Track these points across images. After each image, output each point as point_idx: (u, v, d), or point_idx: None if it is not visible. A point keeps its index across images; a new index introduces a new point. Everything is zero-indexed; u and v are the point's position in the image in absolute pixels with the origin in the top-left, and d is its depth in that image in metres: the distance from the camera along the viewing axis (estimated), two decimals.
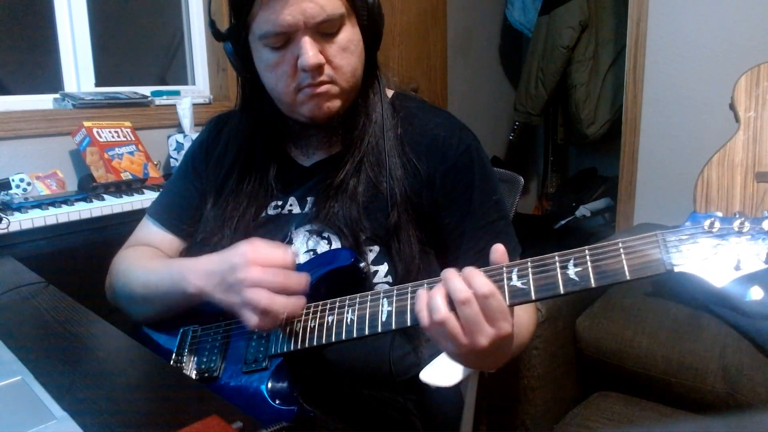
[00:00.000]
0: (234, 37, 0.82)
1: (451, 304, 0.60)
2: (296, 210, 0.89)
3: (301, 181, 0.89)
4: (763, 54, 1.75)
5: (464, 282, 0.59)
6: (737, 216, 0.53)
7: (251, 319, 0.70)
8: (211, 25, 0.83)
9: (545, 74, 2.93)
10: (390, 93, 0.92)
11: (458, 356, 0.64)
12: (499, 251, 0.63)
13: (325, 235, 0.84)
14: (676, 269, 0.54)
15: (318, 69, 0.77)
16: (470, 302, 0.58)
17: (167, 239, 0.96)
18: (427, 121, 0.87)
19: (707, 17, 1.99)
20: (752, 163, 1.59)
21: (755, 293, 0.52)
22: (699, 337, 1.28)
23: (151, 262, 0.89)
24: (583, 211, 2.97)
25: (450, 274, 0.61)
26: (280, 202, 0.89)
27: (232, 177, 0.92)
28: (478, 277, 0.59)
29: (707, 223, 0.54)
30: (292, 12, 0.73)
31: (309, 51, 0.75)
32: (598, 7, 2.84)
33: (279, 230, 0.87)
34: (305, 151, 0.90)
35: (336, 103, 0.82)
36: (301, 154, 0.91)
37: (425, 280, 0.68)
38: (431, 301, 0.60)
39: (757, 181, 1.57)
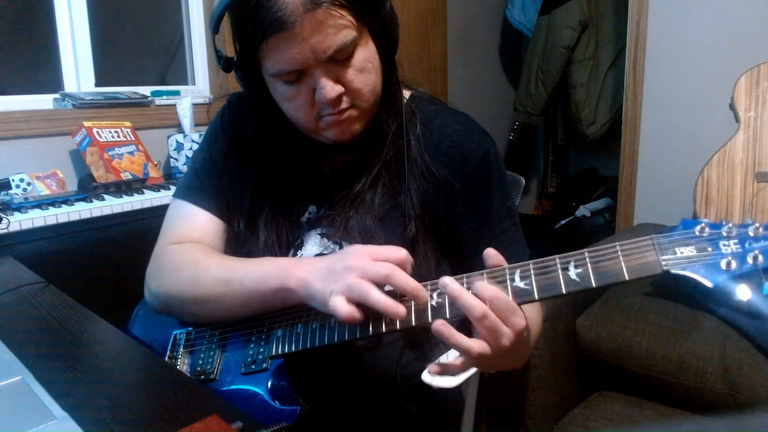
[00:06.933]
0: (244, 68, 0.79)
1: (468, 323, 0.61)
2: (313, 216, 0.88)
3: (321, 188, 0.87)
4: (763, 54, 1.75)
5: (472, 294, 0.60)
6: (725, 223, 0.58)
7: (338, 306, 0.65)
8: (218, 57, 0.79)
9: (545, 74, 2.93)
10: (407, 94, 0.89)
11: (488, 366, 0.66)
12: (492, 257, 0.65)
13: (337, 239, 0.84)
14: (672, 270, 0.57)
15: (337, 100, 0.74)
16: (488, 314, 0.59)
17: (213, 224, 0.90)
18: (445, 126, 0.85)
19: (707, 17, 1.99)
20: (752, 163, 1.59)
21: (742, 293, 0.56)
22: (699, 337, 1.28)
23: (228, 260, 0.83)
24: (583, 211, 2.97)
25: (457, 291, 0.61)
26: (300, 208, 0.88)
27: (261, 182, 0.89)
28: (478, 284, 0.61)
29: (698, 228, 0.59)
30: (302, 50, 0.70)
31: (326, 85, 0.73)
32: (598, 7, 2.84)
33: (293, 233, 0.87)
34: (323, 160, 0.89)
35: (359, 125, 0.80)
36: (320, 161, 0.89)
37: (428, 282, 0.68)
38: (462, 346, 0.61)
39: (757, 181, 1.57)
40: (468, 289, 0.61)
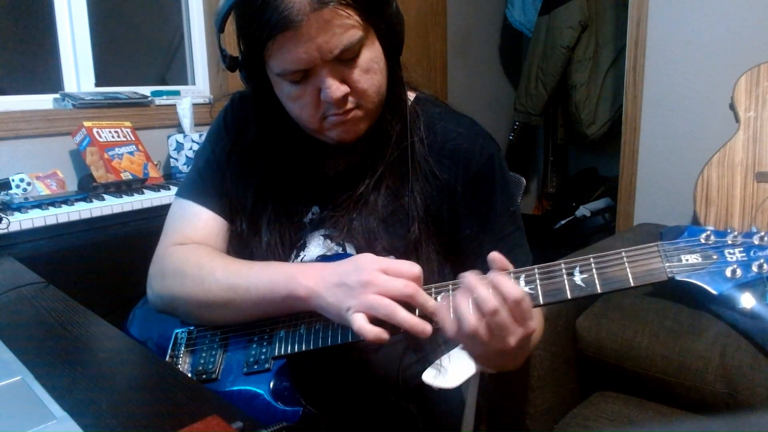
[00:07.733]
0: (249, 68, 0.79)
1: (479, 311, 0.60)
2: (316, 217, 0.88)
3: (324, 189, 0.87)
4: (763, 54, 1.75)
5: (492, 289, 0.60)
6: (730, 230, 0.59)
7: (365, 328, 0.65)
8: (222, 56, 0.79)
9: (545, 74, 2.93)
10: (411, 96, 0.88)
11: (484, 359, 0.65)
12: (497, 262, 0.65)
13: (340, 241, 0.84)
14: (677, 277, 0.58)
15: (343, 100, 0.74)
16: (499, 311, 0.59)
17: (216, 223, 0.89)
18: (449, 129, 0.85)
19: (707, 17, 1.99)
20: (752, 163, 1.59)
21: (747, 301, 0.57)
22: (699, 337, 1.28)
23: (234, 264, 0.82)
24: (583, 211, 2.97)
25: (474, 282, 0.61)
26: (304, 209, 0.88)
27: (264, 181, 0.88)
28: (505, 282, 0.60)
29: (703, 236, 0.59)
30: (308, 49, 0.69)
31: (331, 85, 0.72)
32: (598, 7, 2.84)
33: (296, 234, 0.86)
34: (327, 161, 0.88)
35: (363, 126, 0.80)
36: (324, 162, 0.89)
37: (432, 285, 0.68)
38: (458, 311, 0.60)
39: (757, 181, 1.57)
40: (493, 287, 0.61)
